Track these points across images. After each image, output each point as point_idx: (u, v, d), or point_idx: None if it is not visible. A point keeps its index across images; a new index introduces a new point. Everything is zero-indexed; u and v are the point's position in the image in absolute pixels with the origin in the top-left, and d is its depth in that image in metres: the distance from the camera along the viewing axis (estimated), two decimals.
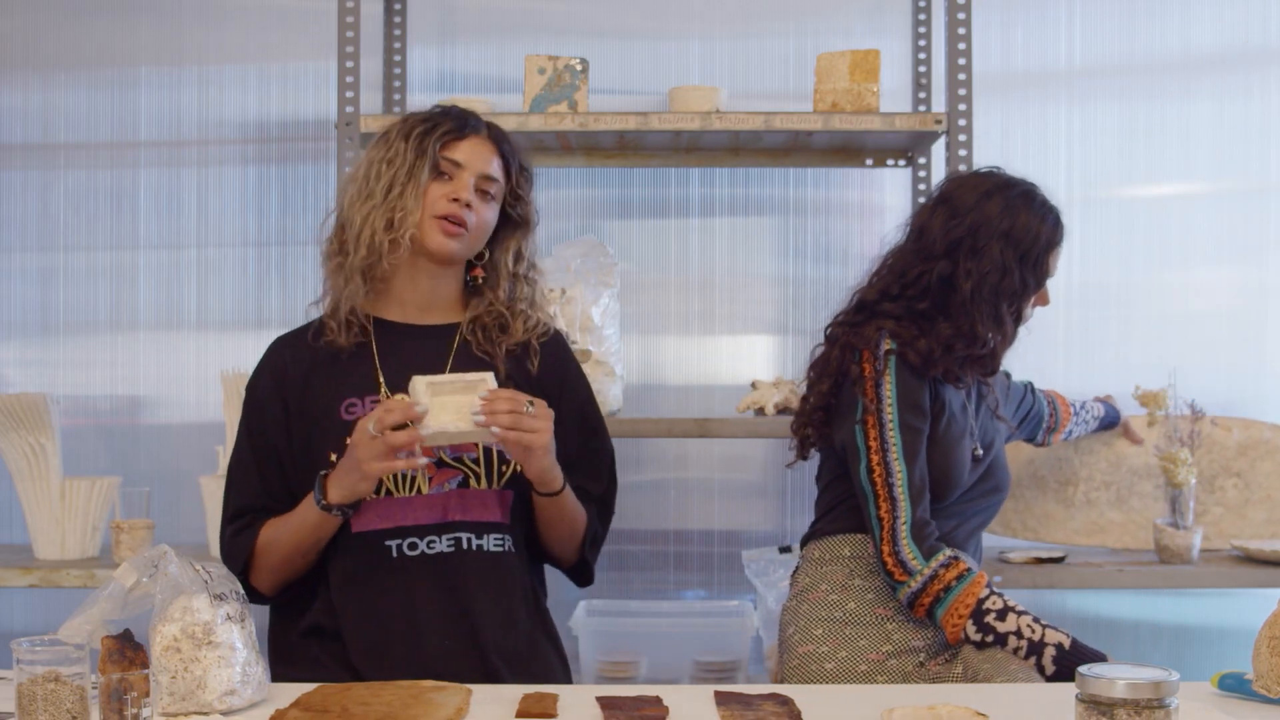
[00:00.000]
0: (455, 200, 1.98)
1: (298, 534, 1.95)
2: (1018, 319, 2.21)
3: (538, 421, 1.86)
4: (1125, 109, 3.30)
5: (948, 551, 2.06)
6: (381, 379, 2.00)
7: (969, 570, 2.05)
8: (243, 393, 2.77)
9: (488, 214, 2.02)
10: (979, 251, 2.14)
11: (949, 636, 2.05)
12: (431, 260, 2.02)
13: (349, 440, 1.90)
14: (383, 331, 2.04)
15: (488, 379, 1.88)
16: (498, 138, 2.06)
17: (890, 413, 2.10)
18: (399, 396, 1.90)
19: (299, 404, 2.01)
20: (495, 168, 2.03)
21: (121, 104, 3.34)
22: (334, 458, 1.95)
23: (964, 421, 2.19)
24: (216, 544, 2.86)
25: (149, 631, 1.62)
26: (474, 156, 2.01)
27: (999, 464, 2.27)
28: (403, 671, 1.90)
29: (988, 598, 2.03)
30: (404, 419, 1.82)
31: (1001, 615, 2.01)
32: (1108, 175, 3.30)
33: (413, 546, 1.96)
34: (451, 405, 1.84)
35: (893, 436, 2.10)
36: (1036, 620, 2.01)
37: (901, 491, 2.08)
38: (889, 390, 2.11)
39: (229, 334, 3.32)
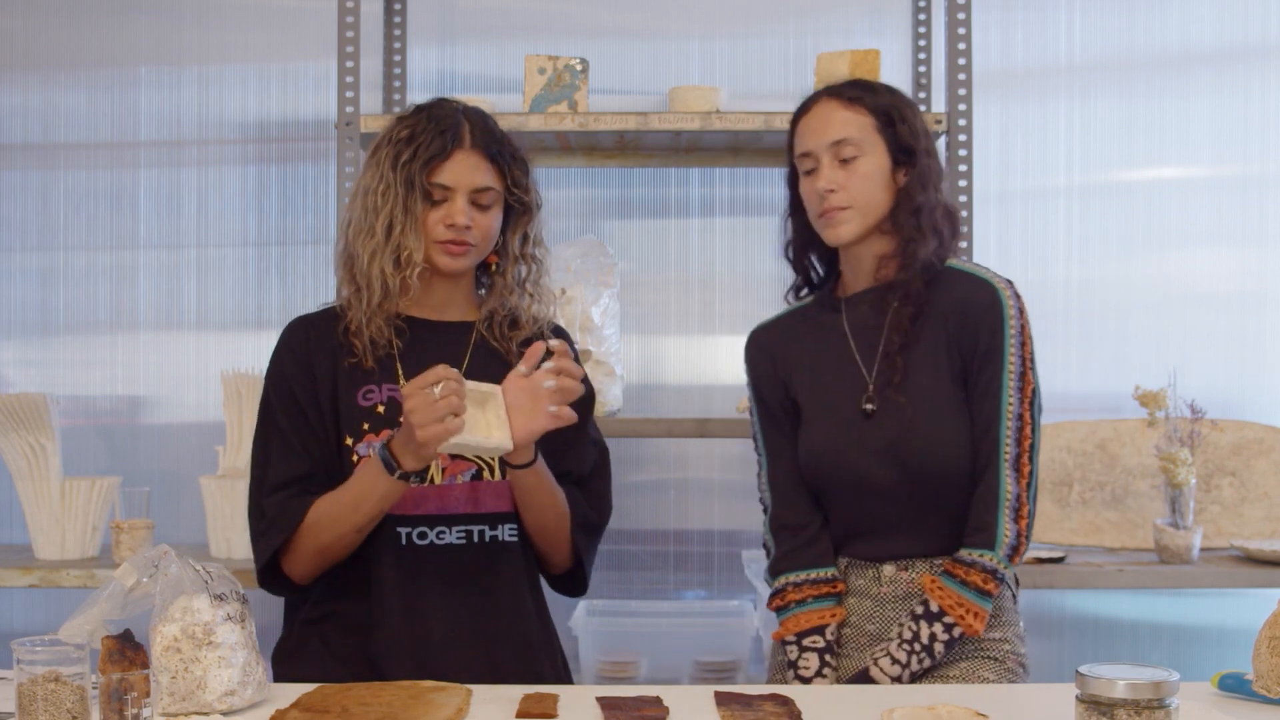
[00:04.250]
0: (452, 225, 1.97)
1: (356, 506, 1.90)
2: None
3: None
4: (1125, 105, 3.30)
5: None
6: (400, 370, 2.01)
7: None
8: (242, 392, 2.81)
9: (489, 221, 2.02)
10: None
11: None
12: (444, 276, 2.04)
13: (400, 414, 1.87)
14: (402, 327, 2.04)
15: (497, 393, 1.87)
16: (483, 141, 2.01)
17: None
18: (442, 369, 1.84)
19: (322, 381, 2.00)
20: (486, 176, 2.00)
21: (121, 104, 3.34)
22: (350, 441, 1.96)
23: None
24: (216, 544, 2.88)
25: (149, 631, 1.62)
26: (461, 174, 1.98)
27: None
28: (405, 659, 1.91)
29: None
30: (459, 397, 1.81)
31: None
32: (1108, 172, 3.31)
33: (422, 536, 1.97)
34: (468, 418, 1.83)
35: None
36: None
37: None
38: None
39: (229, 334, 3.31)
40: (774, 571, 2.13)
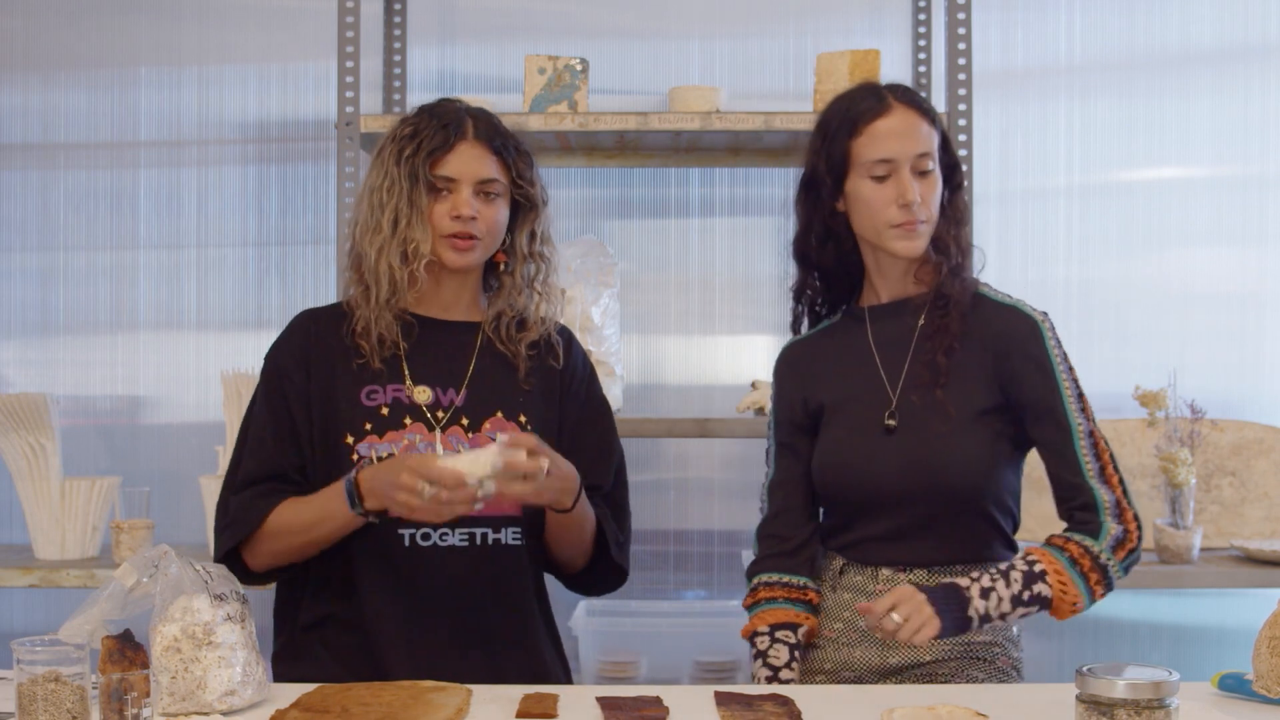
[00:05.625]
0: (458, 217, 1.97)
1: (318, 524, 1.92)
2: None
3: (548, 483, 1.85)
4: (1125, 105, 3.30)
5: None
6: (407, 371, 2.01)
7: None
8: (242, 392, 2.81)
9: (496, 214, 2.01)
10: None
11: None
12: (452, 271, 2.03)
13: (388, 458, 1.88)
14: (410, 323, 2.04)
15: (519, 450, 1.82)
16: (486, 134, 2.01)
17: None
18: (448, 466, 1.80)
19: (321, 380, 2.00)
20: (491, 167, 2.00)
21: (121, 104, 3.34)
22: (350, 440, 1.96)
23: None
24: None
25: (149, 631, 1.63)
26: (466, 166, 1.98)
27: None
28: (406, 659, 1.91)
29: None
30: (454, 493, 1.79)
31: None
32: (1108, 172, 3.31)
33: (425, 537, 1.96)
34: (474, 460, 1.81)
35: None
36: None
37: None
38: None
39: (229, 334, 3.32)
40: (751, 573, 2.15)
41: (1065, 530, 1.96)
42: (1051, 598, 1.90)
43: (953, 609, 1.85)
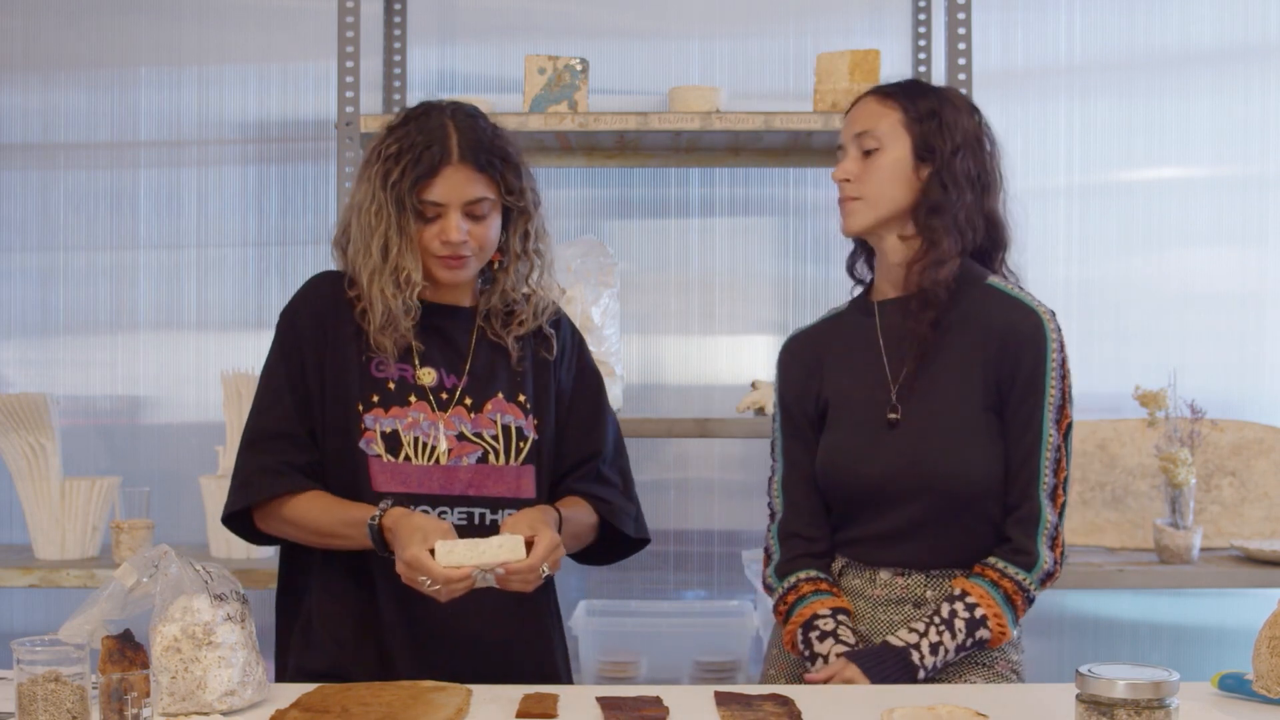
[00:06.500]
0: (447, 242, 1.97)
1: (336, 537, 1.94)
2: None
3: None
4: (1125, 105, 3.30)
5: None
6: (415, 357, 2.01)
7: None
8: (242, 392, 2.81)
9: (487, 231, 2.00)
10: None
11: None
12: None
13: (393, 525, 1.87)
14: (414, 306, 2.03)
15: (519, 549, 1.82)
16: (471, 151, 1.97)
17: None
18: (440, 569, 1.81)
19: (334, 343, 2.01)
20: (479, 187, 1.97)
21: (121, 104, 3.34)
22: (360, 408, 1.96)
23: None
24: (216, 543, 2.89)
25: (149, 631, 1.63)
26: (452, 190, 1.96)
27: None
28: (408, 648, 1.93)
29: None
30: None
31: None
32: (1108, 172, 3.31)
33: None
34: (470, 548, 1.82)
35: None
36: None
37: None
38: None
39: (229, 334, 3.31)
40: (783, 572, 2.11)
41: (1001, 560, 1.98)
42: (990, 639, 1.96)
43: (898, 678, 1.91)
